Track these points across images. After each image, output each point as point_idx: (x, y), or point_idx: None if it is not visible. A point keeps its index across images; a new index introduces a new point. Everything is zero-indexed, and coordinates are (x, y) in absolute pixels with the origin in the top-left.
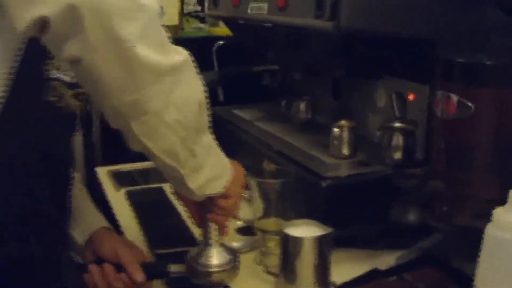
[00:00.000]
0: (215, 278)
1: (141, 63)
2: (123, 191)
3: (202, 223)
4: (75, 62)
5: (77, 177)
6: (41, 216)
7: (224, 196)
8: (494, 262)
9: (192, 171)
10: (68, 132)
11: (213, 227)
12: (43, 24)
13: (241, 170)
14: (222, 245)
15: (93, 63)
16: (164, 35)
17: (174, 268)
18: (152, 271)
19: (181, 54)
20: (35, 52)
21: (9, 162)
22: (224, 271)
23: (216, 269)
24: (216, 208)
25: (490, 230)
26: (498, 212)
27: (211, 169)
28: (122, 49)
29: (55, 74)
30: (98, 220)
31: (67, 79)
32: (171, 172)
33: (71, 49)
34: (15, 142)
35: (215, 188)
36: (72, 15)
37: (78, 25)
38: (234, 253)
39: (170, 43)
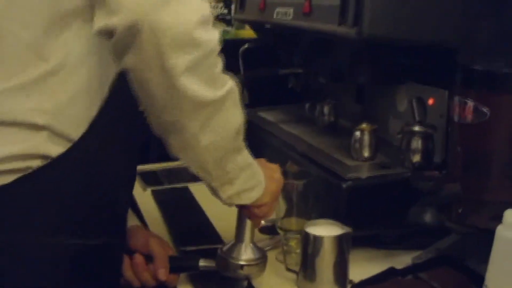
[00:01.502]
0: (245, 271)
1: (183, 94)
2: (149, 190)
3: (238, 217)
4: (130, 72)
5: None
6: (118, 208)
7: (256, 205)
8: (504, 262)
9: (223, 184)
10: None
11: (247, 224)
12: (111, 31)
13: (277, 180)
14: (253, 242)
15: (143, 78)
16: (217, 68)
17: (203, 262)
18: (182, 264)
19: (227, 85)
20: None
21: (102, 156)
22: (254, 265)
23: (246, 263)
24: (248, 212)
25: (501, 231)
26: (509, 214)
27: (243, 183)
28: (167, 76)
29: None
30: (132, 218)
31: None
32: (203, 179)
33: (128, 60)
34: (113, 139)
35: (245, 199)
36: (134, 30)
37: (137, 41)
38: (263, 251)
39: (220, 76)
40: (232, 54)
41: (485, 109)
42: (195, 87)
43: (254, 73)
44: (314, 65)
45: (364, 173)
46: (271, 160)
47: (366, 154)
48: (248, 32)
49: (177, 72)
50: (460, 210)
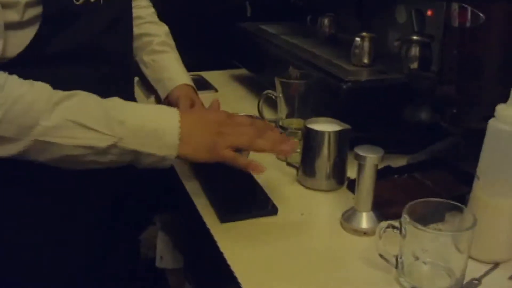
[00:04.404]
0: None
1: None
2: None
3: None
4: None
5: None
6: None
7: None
8: (494, 151)
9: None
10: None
11: None
12: None
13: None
14: None
15: None
16: None
17: None
18: None
19: None
20: None
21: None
22: None
23: None
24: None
25: (493, 123)
26: (500, 108)
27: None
28: None
29: None
30: (180, 77)
31: None
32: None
33: None
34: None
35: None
36: None
37: None
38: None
39: None
40: None
41: (480, 14)
42: None
43: None
44: None
45: (363, 77)
46: (273, 68)
47: (365, 60)
48: None
49: None
50: (454, 111)
